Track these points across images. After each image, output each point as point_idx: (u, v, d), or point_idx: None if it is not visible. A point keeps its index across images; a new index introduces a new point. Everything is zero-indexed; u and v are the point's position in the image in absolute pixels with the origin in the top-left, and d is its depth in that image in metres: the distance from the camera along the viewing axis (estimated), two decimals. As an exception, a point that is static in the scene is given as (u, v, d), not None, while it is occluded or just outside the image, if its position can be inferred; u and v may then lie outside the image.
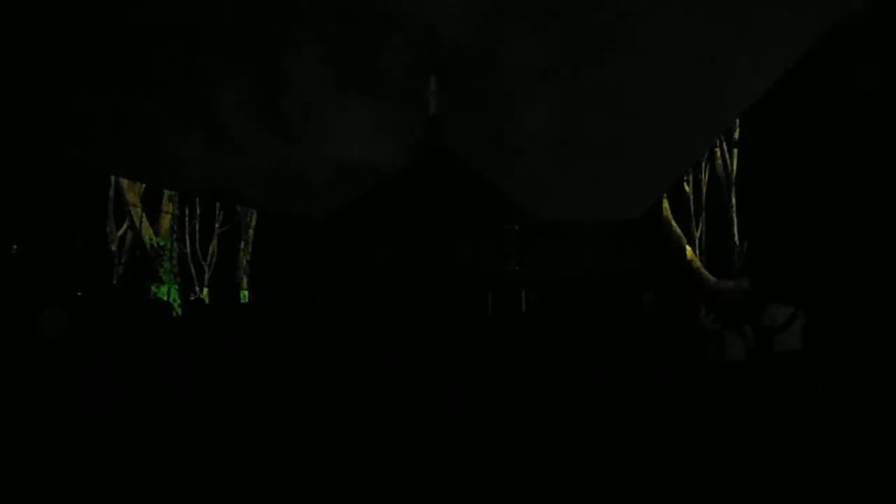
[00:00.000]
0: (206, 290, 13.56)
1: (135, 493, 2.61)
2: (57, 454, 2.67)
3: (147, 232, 12.31)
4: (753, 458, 3.14)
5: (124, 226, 12.24)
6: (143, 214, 12.18)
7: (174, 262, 12.68)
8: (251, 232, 14.34)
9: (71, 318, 3.58)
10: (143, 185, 12.04)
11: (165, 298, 11.61)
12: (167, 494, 2.65)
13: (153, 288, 12.01)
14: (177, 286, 12.51)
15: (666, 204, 12.31)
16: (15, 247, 10.65)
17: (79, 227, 11.74)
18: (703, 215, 12.85)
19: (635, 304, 7.39)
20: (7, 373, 2.75)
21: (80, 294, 9.12)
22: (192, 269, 13.50)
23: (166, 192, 12.54)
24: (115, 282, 11.80)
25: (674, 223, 12.47)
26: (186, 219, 13.53)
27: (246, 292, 14.08)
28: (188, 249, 13.48)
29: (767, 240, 10.85)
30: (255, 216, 14.18)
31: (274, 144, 6.04)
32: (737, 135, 12.23)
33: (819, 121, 9.74)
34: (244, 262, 14.26)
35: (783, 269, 9.75)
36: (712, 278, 11.64)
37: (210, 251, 13.93)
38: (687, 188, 12.88)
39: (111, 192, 12.13)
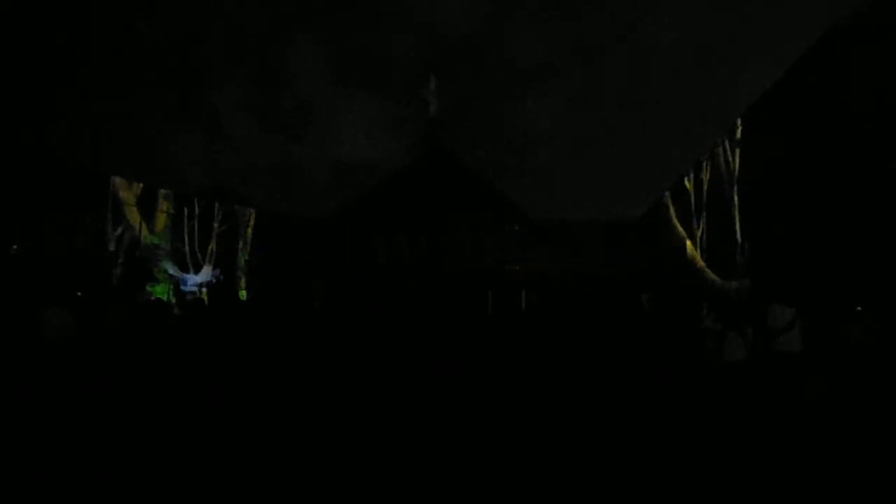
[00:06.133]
0: (204, 291, 13.53)
1: (135, 493, 2.59)
2: (57, 455, 2.66)
3: (145, 232, 12.29)
4: (751, 457, 3.13)
5: (122, 226, 12.22)
6: (140, 214, 12.16)
7: (171, 260, 12.67)
8: (249, 231, 14.34)
9: (77, 319, 3.56)
10: (141, 185, 12.03)
11: (163, 297, 11.58)
12: (168, 495, 2.63)
13: (148, 287, 11.99)
14: (173, 285, 12.49)
15: (668, 202, 12.29)
16: (15, 247, 10.61)
17: (79, 227, 11.71)
18: (705, 214, 12.82)
19: (635, 304, 7.38)
20: (9, 374, 2.74)
21: (79, 294, 9.09)
22: (192, 269, 13.48)
23: (162, 191, 12.53)
24: (114, 282, 11.78)
25: (675, 222, 12.45)
26: (185, 218, 13.51)
27: (244, 292, 14.08)
28: (186, 249, 13.46)
29: (770, 239, 10.84)
30: (253, 216, 14.18)
31: (274, 143, 6.03)
32: (738, 133, 12.21)
33: (820, 120, 9.72)
34: (242, 262, 14.25)
35: (785, 269, 9.74)
36: (714, 277, 11.63)
37: (209, 251, 13.92)
38: (688, 186, 12.86)
39: (111, 192, 12.11)
